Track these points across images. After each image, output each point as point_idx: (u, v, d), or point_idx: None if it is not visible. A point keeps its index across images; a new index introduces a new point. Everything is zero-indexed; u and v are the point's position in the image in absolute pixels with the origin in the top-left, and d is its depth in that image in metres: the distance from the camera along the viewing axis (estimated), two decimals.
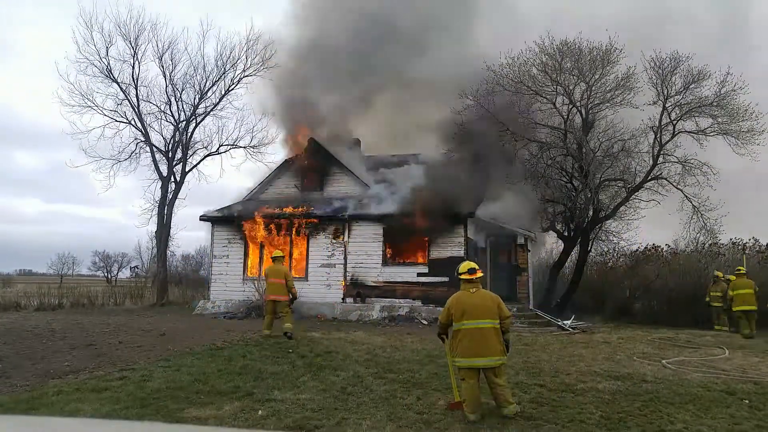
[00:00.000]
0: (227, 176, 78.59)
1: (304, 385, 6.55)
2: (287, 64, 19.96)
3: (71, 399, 5.70)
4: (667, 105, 16.47)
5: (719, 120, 16.03)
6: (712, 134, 16.20)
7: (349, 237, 16.28)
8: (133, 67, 21.42)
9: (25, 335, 10.66)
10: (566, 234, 18.87)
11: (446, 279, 14.90)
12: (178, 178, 22.15)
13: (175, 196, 22.05)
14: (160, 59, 21.76)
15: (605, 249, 19.77)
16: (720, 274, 14.89)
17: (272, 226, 16.43)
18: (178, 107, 22.19)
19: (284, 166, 19.12)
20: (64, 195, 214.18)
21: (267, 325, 10.61)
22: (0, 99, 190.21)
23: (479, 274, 5.70)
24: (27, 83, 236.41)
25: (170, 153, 22.08)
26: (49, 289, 20.86)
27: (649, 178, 16.74)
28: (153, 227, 22.37)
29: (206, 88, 22.27)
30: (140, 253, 52.70)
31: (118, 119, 21.54)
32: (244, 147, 22.97)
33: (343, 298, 15.93)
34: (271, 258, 11.50)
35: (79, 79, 33.28)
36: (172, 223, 22.12)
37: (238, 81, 22.45)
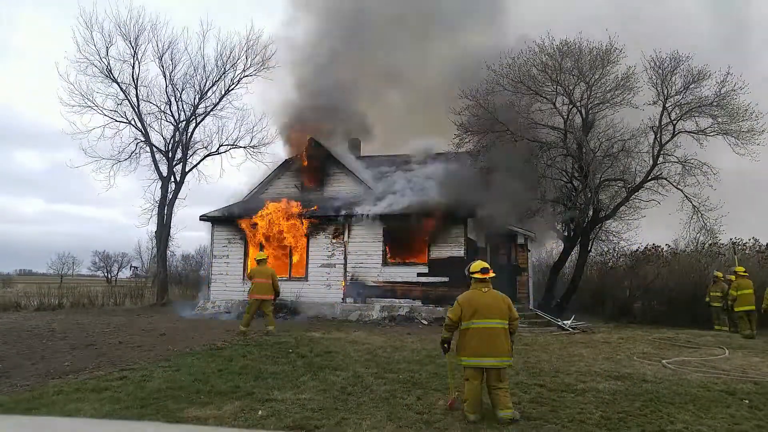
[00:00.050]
0: (227, 176, 78.55)
1: (304, 385, 6.55)
2: (287, 64, 19.98)
3: (71, 399, 5.71)
4: (667, 105, 16.45)
5: (719, 120, 16.00)
6: (712, 134, 16.18)
7: (349, 237, 16.28)
8: (133, 67, 21.49)
9: (25, 335, 10.68)
10: (566, 234, 18.86)
11: (446, 279, 14.92)
12: (178, 178, 22.19)
13: (175, 196, 22.09)
14: (160, 59, 21.82)
15: (605, 249, 19.78)
16: (720, 274, 14.90)
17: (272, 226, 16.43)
18: (178, 107, 22.27)
19: (284, 166, 19.11)
20: (64, 195, 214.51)
21: (246, 323, 11.06)
22: (0, 99, 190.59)
23: (491, 273, 5.70)
24: (27, 83, 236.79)
25: (170, 153, 22.11)
26: (49, 289, 20.89)
27: (649, 178, 16.72)
28: (153, 227, 22.45)
29: (206, 88, 22.35)
30: (140, 253, 52.91)
31: (118, 119, 21.63)
32: (244, 147, 23.07)
33: (343, 298, 15.94)
34: (256, 260, 11.93)
35: (79, 79, 33.42)
36: (172, 223, 22.19)
37: (238, 81, 22.53)
